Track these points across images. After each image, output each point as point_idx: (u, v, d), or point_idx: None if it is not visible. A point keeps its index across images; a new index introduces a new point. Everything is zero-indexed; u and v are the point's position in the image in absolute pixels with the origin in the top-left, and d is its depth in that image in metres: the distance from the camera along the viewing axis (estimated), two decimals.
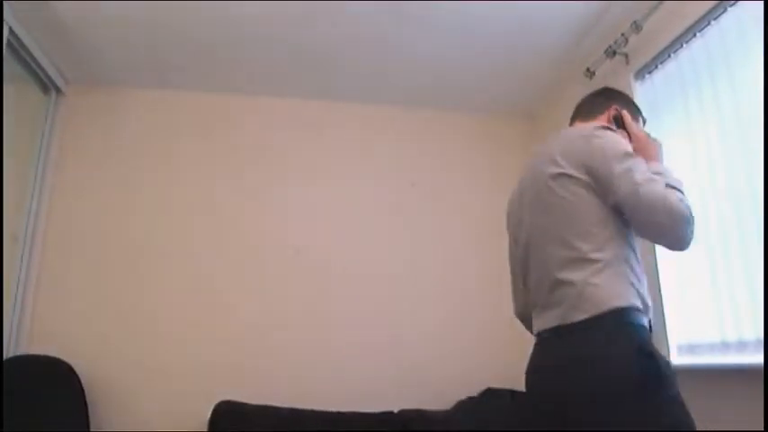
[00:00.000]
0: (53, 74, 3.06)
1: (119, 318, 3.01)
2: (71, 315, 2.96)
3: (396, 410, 2.90)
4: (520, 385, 2.96)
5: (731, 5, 2.09)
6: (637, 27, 2.51)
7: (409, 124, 3.61)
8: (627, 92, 2.66)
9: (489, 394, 3.01)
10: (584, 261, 1.39)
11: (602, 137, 1.47)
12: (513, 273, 1.75)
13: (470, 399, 3.01)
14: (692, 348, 2.30)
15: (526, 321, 1.74)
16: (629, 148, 1.46)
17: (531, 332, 1.68)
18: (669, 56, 2.44)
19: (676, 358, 2.35)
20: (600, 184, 1.42)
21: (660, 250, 2.45)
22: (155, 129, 3.34)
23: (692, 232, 1.36)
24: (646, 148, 1.56)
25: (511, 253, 1.74)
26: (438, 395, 3.02)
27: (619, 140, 1.48)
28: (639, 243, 1.50)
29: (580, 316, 1.35)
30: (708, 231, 2.18)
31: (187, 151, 3.33)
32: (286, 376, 3.03)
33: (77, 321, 2.95)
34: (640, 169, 1.40)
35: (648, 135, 1.65)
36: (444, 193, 3.53)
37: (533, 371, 1.53)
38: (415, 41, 2.94)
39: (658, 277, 2.44)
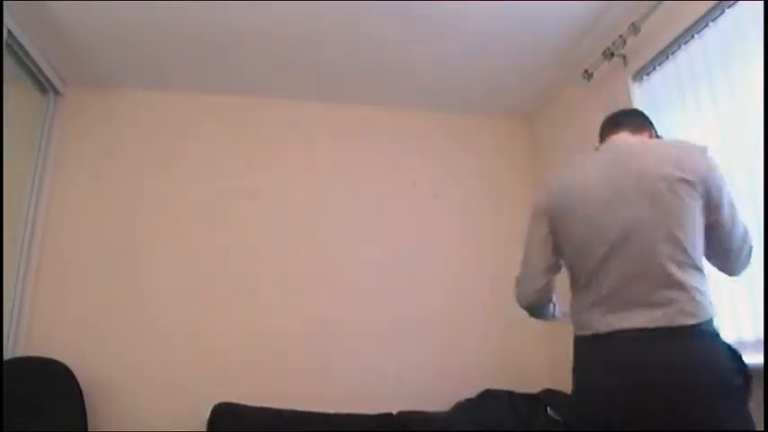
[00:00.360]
0: (51, 75, 3.06)
1: (117, 319, 3.00)
2: (69, 317, 2.95)
3: (394, 412, 2.90)
4: (518, 386, 3.01)
5: (729, 7, 2.10)
6: (635, 29, 2.52)
7: (409, 125, 3.61)
8: (625, 93, 2.70)
9: (488, 395, 3.01)
10: (693, 268, 1.46)
11: (713, 158, 1.55)
12: (534, 256, 1.77)
13: (469, 400, 3.01)
14: None
15: (539, 309, 1.80)
16: None
17: (542, 319, 1.84)
18: (667, 57, 2.44)
19: None
20: (711, 202, 1.49)
21: None
22: (153, 130, 3.33)
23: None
24: None
25: (542, 239, 1.76)
26: (437, 396, 3.02)
27: None
28: None
29: (689, 320, 1.40)
30: None
31: (186, 152, 3.33)
32: (284, 378, 3.03)
33: (76, 323, 2.94)
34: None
35: None
36: (444, 193, 3.53)
37: (630, 368, 1.44)
38: (414, 43, 2.94)
39: None
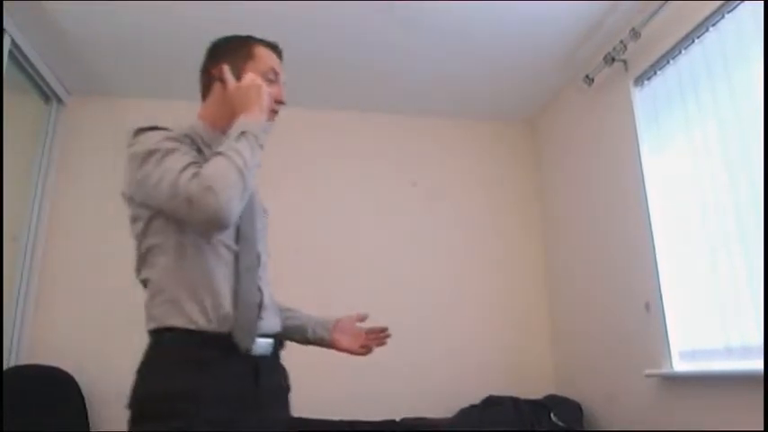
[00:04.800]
0: (54, 84, 3.07)
1: (120, 327, 2.99)
2: (72, 325, 2.96)
3: (398, 418, 2.89)
4: (522, 392, 3.00)
5: (729, 11, 2.10)
6: (635, 34, 2.52)
7: (410, 131, 3.62)
8: (626, 98, 2.69)
9: (491, 401, 3.00)
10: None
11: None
12: None
13: (473, 406, 3.00)
14: (694, 354, 2.29)
15: None
16: (153, 143, 1.27)
17: None
18: (668, 62, 2.44)
19: (679, 364, 2.35)
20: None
21: (661, 256, 2.45)
22: None
23: (204, 209, 1.16)
24: (237, 101, 1.36)
25: None
26: (440, 403, 3.01)
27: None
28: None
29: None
30: (708, 236, 2.18)
31: None
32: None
33: (78, 331, 2.95)
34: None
35: (242, 83, 1.39)
36: (445, 197, 3.53)
37: None
38: (415, 49, 2.95)
39: (659, 282, 2.44)
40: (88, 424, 2.72)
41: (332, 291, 3.24)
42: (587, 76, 2.91)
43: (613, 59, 2.69)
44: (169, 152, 1.24)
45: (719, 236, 2.13)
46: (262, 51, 1.49)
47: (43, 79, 2.98)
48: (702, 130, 2.25)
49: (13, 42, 2.62)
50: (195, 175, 1.17)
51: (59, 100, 3.19)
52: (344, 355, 3.11)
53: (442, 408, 2.98)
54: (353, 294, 3.26)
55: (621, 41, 2.61)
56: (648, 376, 2.44)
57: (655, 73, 2.53)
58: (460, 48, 2.92)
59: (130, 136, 1.32)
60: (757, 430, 1.74)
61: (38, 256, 3.02)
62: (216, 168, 1.18)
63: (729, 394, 2.03)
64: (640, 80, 2.63)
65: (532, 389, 3.08)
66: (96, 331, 2.96)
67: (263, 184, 3.45)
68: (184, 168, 1.19)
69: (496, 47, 2.93)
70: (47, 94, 3.13)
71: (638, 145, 2.60)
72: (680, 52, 2.37)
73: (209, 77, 1.47)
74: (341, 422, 2.80)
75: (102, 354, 2.93)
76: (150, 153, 1.24)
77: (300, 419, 2.77)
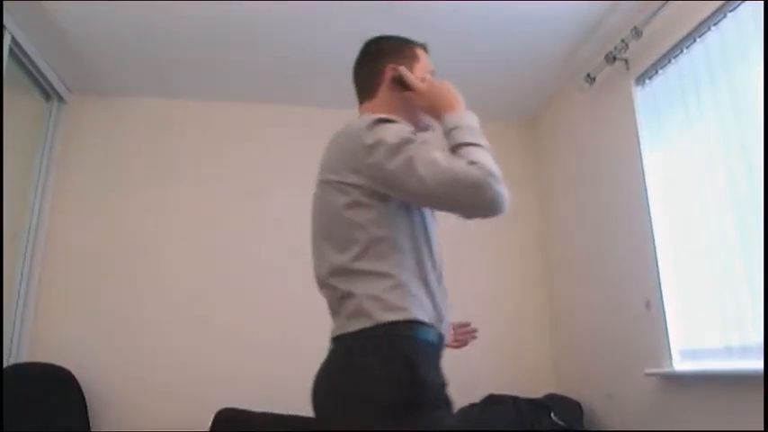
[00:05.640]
0: (55, 82, 3.08)
1: (120, 325, 3.01)
2: (72, 323, 2.96)
3: None
4: (522, 391, 3.00)
5: (731, 10, 2.10)
6: (637, 33, 2.52)
7: None
8: (627, 97, 2.69)
9: (492, 401, 3.00)
10: (353, 272, 1.29)
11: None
12: None
13: (473, 405, 3.00)
14: (694, 354, 2.29)
15: None
16: (406, 133, 1.26)
17: None
18: (669, 61, 2.44)
19: (679, 364, 2.35)
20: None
21: (661, 255, 2.45)
22: (156, 137, 3.35)
23: (495, 192, 1.18)
24: (434, 99, 1.40)
25: None
26: None
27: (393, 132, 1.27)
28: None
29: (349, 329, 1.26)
30: (709, 235, 2.18)
31: (189, 159, 3.34)
32: (288, 383, 3.02)
33: (79, 329, 2.95)
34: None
35: (432, 82, 1.46)
36: None
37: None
38: None
39: (660, 282, 2.43)
40: (88, 422, 2.72)
41: None
42: (588, 75, 2.90)
43: (614, 58, 2.69)
44: (425, 142, 1.26)
45: (720, 235, 2.13)
46: (421, 53, 1.54)
47: (44, 77, 2.98)
48: (703, 129, 2.24)
49: (14, 40, 2.62)
50: (472, 162, 1.20)
51: (60, 98, 3.19)
52: None
53: None
54: None
55: (623, 40, 2.60)
56: (649, 375, 2.44)
57: (656, 72, 2.53)
58: (461, 47, 2.92)
59: (367, 125, 1.28)
60: (757, 430, 1.74)
61: (38, 253, 3.02)
62: (486, 157, 1.23)
63: (729, 394, 2.03)
64: (642, 79, 2.62)
65: (532, 388, 3.08)
66: (97, 329, 2.97)
67: (266, 183, 3.47)
68: (452, 156, 1.23)
69: (497, 46, 2.92)
70: (47, 93, 3.13)
71: (638, 144, 2.59)
72: (681, 51, 2.37)
73: (375, 77, 1.50)
74: None
75: (103, 352, 2.94)
76: (406, 141, 1.24)
77: (300, 418, 2.78)
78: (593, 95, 2.99)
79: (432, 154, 1.22)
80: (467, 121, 1.33)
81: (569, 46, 2.92)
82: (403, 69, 1.45)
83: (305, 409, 3.01)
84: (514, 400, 2.94)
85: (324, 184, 1.36)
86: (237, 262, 3.21)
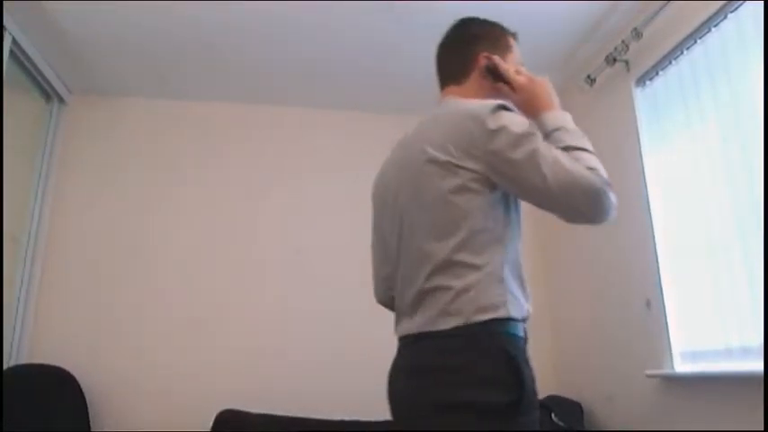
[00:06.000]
0: (55, 83, 3.07)
1: (121, 327, 3.01)
2: (73, 324, 2.96)
3: None
4: None
5: (732, 11, 2.10)
6: (637, 34, 2.51)
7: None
8: (627, 99, 2.69)
9: None
10: (455, 264, 1.20)
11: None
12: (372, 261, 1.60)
13: None
14: (695, 355, 2.29)
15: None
16: (528, 125, 1.22)
17: None
18: (670, 62, 2.44)
19: (680, 365, 2.34)
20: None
21: (661, 256, 2.45)
22: (157, 137, 3.35)
23: (611, 202, 1.17)
24: (533, 96, 1.35)
25: (372, 242, 1.57)
26: None
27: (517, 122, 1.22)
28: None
29: (443, 325, 1.18)
30: (710, 236, 2.18)
31: (189, 159, 3.34)
32: (289, 384, 3.02)
33: (79, 330, 2.95)
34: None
35: (531, 77, 1.40)
36: None
37: (390, 376, 1.39)
38: (415, 49, 2.94)
39: (660, 283, 2.43)
40: (89, 423, 2.72)
41: (333, 291, 3.24)
42: (589, 77, 2.90)
43: (615, 60, 2.69)
44: (542, 139, 1.21)
45: (720, 236, 2.13)
46: (513, 43, 1.49)
47: (44, 78, 2.98)
48: (703, 130, 2.24)
49: (14, 41, 2.62)
50: (590, 168, 1.17)
51: (60, 99, 3.19)
52: (345, 352, 3.13)
53: None
54: (355, 294, 3.26)
55: (623, 41, 2.60)
56: (649, 377, 2.44)
57: (656, 73, 2.52)
58: None
59: (489, 109, 1.20)
60: (758, 430, 1.74)
61: (39, 254, 3.02)
62: (601, 165, 1.20)
63: (730, 395, 2.03)
64: (642, 80, 2.62)
65: None
66: (97, 330, 2.97)
67: (265, 183, 3.47)
68: (572, 159, 1.18)
69: None
70: (48, 93, 3.13)
71: (639, 145, 2.59)
72: (681, 53, 2.37)
73: (467, 63, 1.41)
74: (341, 422, 2.80)
75: (103, 353, 2.94)
76: (530, 133, 1.19)
77: (300, 419, 2.78)
78: (593, 96, 2.99)
79: (554, 152, 1.18)
80: (569, 122, 1.29)
81: (569, 47, 2.92)
82: (498, 60, 1.38)
83: (305, 410, 3.02)
84: None
85: (427, 162, 1.22)
86: (237, 263, 3.21)
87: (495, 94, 1.35)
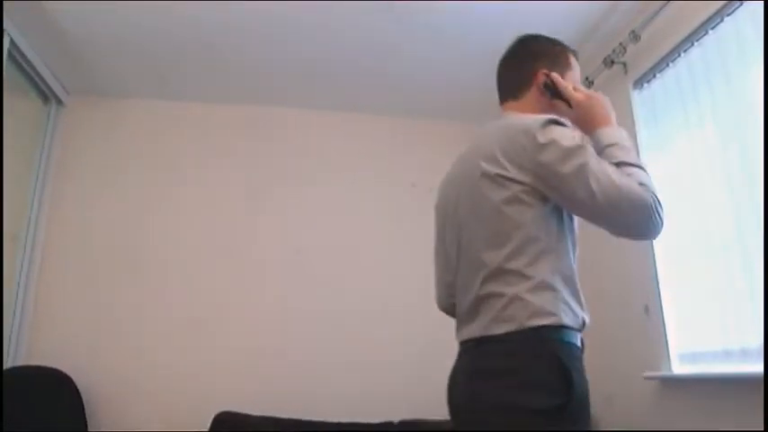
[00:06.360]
0: (54, 84, 3.07)
1: (118, 328, 3.00)
2: (70, 326, 2.96)
3: (396, 421, 2.89)
4: None
5: (729, 14, 2.10)
6: (635, 36, 2.52)
7: (408, 132, 3.62)
8: (625, 101, 2.69)
9: None
10: (509, 273, 1.25)
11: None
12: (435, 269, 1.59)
13: None
14: (693, 357, 2.29)
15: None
16: (578, 139, 1.25)
17: None
18: (667, 65, 2.44)
19: (678, 367, 2.34)
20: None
21: (660, 258, 2.45)
22: (155, 138, 3.34)
23: (660, 218, 1.22)
24: (590, 112, 1.38)
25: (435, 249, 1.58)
26: (439, 405, 3.00)
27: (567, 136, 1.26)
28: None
29: (498, 330, 1.22)
30: (708, 238, 2.18)
31: (188, 160, 3.34)
32: (286, 386, 3.02)
33: (77, 332, 2.95)
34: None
35: (589, 94, 1.43)
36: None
37: (450, 380, 1.44)
38: (413, 50, 2.95)
39: (658, 285, 2.43)
40: (86, 424, 2.71)
41: (333, 291, 3.24)
42: (586, 78, 2.90)
43: (612, 62, 2.69)
44: (593, 154, 1.24)
45: (718, 238, 2.13)
46: (574, 61, 1.51)
47: (42, 79, 2.98)
48: (701, 132, 2.24)
49: (12, 42, 2.62)
50: (642, 184, 1.21)
51: (58, 100, 3.19)
52: (343, 357, 3.13)
53: (440, 410, 2.97)
54: (355, 294, 3.26)
55: (621, 44, 2.61)
56: (648, 379, 2.44)
57: (654, 75, 2.53)
58: (458, 49, 2.92)
59: (540, 124, 1.25)
60: (757, 431, 1.74)
61: (37, 256, 3.01)
62: (652, 182, 1.24)
63: (729, 397, 2.03)
64: (640, 83, 2.62)
65: None
66: (95, 332, 2.97)
67: (265, 184, 3.47)
68: (622, 174, 1.22)
69: (495, 48, 2.88)
70: (46, 95, 3.12)
71: (636, 147, 2.59)
72: (679, 55, 2.37)
73: (525, 79, 1.46)
74: (338, 424, 2.80)
75: (101, 354, 2.93)
76: (580, 147, 1.22)
77: (298, 421, 2.77)
78: None
79: (604, 166, 1.21)
80: (625, 139, 1.33)
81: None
82: (557, 77, 1.42)
83: (304, 411, 3.01)
84: None
85: (481, 176, 1.28)
86: (236, 264, 3.20)
87: (553, 110, 1.39)
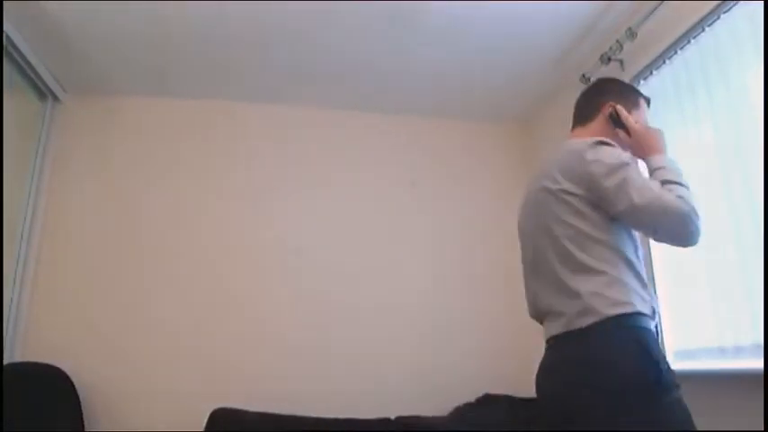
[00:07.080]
0: (50, 81, 3.06)
1: (115, 325, 3.00)
2: (67, 322, 2.95)
3: (393, 417, 2.89)
4: (518, 391, 3.00)
5: (725, 12, 2.11)
6: (632, 33, 2.52)
7: (408, 131, 3.62)
8: None
9: (487, 400, 3.01)
10: (582, 271, 1.49)
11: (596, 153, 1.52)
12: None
13: (468, 405, 3.00)
14: (689, 354, 2.30)
15: None
16: (624, 157, 1.49)
17: None
18: (664, 62, 2.45)
19: (674, 364, 2.35)
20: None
21: (656, 254, 2.46)
22: (152, 135, 3.34)
23: (696, 227, 1.43)
24: (645, 141, 1.62)
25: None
26: (435, 401, 3.02)
27: (612, 154, 1.51)
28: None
29: (583, 323, 1.42)
30: (704, 236, 2.18)
31: (185, 158, 3.33)
32: (283, 382, 3.02)
33: (73, 328, 2.95)
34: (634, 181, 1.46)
35: (647, 126, 1.69)
36: (443, 197, 3.54)
37: (540, 374, 1.62)
38: (412, 49, 2.95)
39: (654, 282, 2.44)
40: (83, 422, 2.71)
41: (332, 291, 3.25)
42: (584, 76, 2.90)
43: (609, 59, 2.70)
44: (637, 170, 1.49)
45: (714, 235, 2.13)
46: (643, 103, 1.76)
47: (39, 76, 2.97)
48: (698, 129, 2.25)
49: (9, 39, 2.61)
50: (680, 197, 1.42)
51: (55, 98, 3.18)
52: (341, 351, 3.13)
53: (437, 406, 2.99)
54: (354, 294, 3.27)
55: (618, 41, 2.61)
56: None
57: (651, 73, 2.53)
58: (456, 47, 2.92)
59: (589, 145, 1.50)
60: (756, 430, 1.74)
61: (33, 254, 3.01)
62: (691, 195, 1.45)
63: (724, 394, 2.03)
64: (636, 80, 2.62)
65: (529, 387, 3.06)
66: (92, 329, 2.97)
67: (265, 183, 3.47)
68: (662, 188, 1.45)
69: (492, 46, 2.93)
70: (42, 92, 3.11)
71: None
72: (676, 52, 2.38)
73: (594, 108, 1.71)
74: (335, 420, 2.80)
75: (99, 352, 2.93)
76: (623, 164, 1.46)
77: (294, 418, 2.78)
78: None
79: (646, 180, 1.44)
80: (672, 163, 1.56)
81: (564, 46, 2.93)
82: (621, 109, 1.66)
83: (299, 408, 3.02)
84: (510, 399, 2.94)
85: (546, 193, 1.53)
86: (234, 262, 3.20)
87: (612, 137, 1.61)
